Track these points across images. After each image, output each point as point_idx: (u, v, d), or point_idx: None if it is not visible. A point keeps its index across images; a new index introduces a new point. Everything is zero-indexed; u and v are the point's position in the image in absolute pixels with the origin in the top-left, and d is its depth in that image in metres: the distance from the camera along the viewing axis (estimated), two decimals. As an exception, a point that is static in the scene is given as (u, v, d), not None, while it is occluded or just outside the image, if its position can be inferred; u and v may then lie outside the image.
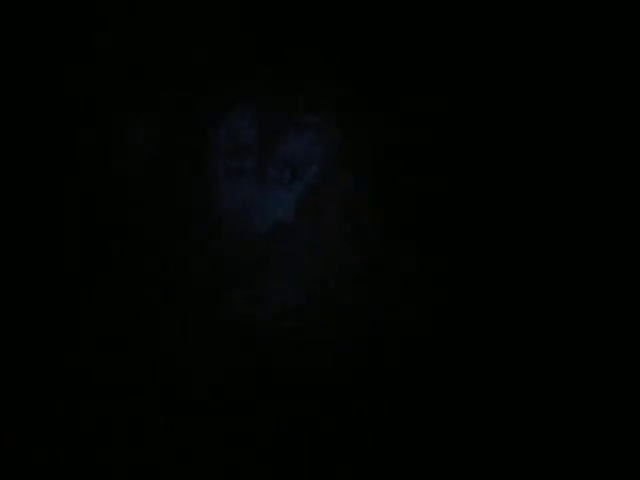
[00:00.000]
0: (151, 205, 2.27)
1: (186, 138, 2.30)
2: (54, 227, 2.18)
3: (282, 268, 2.35)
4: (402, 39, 2.32)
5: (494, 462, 2.04)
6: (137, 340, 2.16)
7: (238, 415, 2.12)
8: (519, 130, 2.31)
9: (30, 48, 2.11)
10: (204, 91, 2.31)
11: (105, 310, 2.17)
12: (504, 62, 2.29)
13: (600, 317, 2.13)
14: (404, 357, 2.24)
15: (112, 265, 2.20)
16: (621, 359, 2.10)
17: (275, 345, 2.27)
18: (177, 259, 2.27)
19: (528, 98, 2.30)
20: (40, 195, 2.14)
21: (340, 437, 2.10)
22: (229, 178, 2.36)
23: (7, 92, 2.09)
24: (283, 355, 2.26)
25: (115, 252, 2.20)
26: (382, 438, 2.10)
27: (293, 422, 2.13)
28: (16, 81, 2.07)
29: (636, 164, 2.20)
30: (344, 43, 2.31)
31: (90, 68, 2.17)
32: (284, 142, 2.38)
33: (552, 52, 2.28)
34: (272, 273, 2.35)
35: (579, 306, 2.15)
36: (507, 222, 2.29)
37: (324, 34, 2.32)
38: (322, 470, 2.05)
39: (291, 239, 2.38)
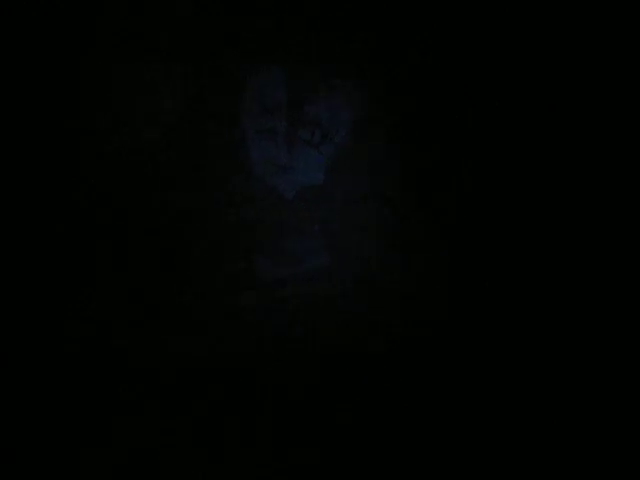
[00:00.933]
0: (181, 168, 2.25)
1: (216, 99, 2.28)
2: (86, 186, 2.18)
3: (311, 231, 2.33)
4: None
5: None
6: (168, 305, 2.14)
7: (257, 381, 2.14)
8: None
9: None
10: (235, 54, 2.28)
11: (136, 271, 2.17)
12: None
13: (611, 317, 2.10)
14: (436, 328, 2.22)
15: (137, 229, 2.17)
16: (625, 357, 2.07)
17: (304, 309, 2.25)
18: (205, 222, 2.25)
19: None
20: (66, 161, 2.13)
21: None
22: (259, 139, 2.33)
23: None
24: (311, 319, 2.23)
25: (143, 216, 2.18)
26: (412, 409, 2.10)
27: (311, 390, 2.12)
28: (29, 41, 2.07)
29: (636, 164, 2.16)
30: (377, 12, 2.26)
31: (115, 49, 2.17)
32: (315, 104, 2.35)
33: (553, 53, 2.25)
34: (301, 236, 2.33)
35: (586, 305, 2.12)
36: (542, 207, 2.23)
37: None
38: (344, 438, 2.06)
39: (320, 202, 2.35)
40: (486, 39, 2.26)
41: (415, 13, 2.29)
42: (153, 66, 2.19)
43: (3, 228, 2.09)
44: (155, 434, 2.02)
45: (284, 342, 2.22)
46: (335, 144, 2.37)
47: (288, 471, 1.99)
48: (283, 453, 2.01)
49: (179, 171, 2.24)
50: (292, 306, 2.26)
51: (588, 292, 2.14)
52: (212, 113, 2.29)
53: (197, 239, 2.25)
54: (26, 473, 1.95)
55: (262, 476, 1.99)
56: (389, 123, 2.34)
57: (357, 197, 2.35)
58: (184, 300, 2.18)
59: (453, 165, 2.31)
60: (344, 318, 2.27)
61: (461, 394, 2.12)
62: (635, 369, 2.07)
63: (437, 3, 2.27)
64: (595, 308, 2.13)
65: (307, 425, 2.06)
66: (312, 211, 2.35)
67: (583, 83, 2.21)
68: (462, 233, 2.27)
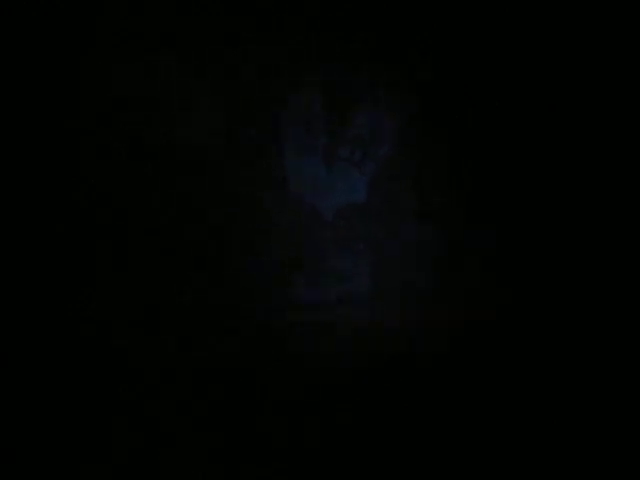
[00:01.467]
0: (218, 187, 2.21)
1: (254, 116, 2.24)
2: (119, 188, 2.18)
3: (352, 252, 2.26)
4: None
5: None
6: (194, 319, 2.14)
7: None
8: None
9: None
10: (274, 69, 2.24)
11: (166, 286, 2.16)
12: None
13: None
14: (482, 353, 2.17)
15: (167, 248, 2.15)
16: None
17: (337, 333, 2.18)
18: (242, 240, 2.21)
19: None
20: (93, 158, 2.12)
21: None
22: (300, 158, 2.27)
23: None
24: (348, 345, 2.16)
25: (176, 233, 2.16)
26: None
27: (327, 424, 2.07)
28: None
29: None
30: (420, 23, 2.23)
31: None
32: (356, 122, 2.29)
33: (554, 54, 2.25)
34: (342, 257, 2.26)
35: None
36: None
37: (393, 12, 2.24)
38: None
39: (363, 221, 2.30)
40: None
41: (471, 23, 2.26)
42: (153, 66, 2.19)
43: (3, 228, 2.09)
44: (155, 434, 2.02)
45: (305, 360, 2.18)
46: (377, 161, 2.31)
47: (288, 471, 1.99)
48: (283, 453, 2.01)
49: (215, 191, 2.23)
50: (326, 331, 2.20)
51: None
52: (250, 133, 2.26)
53: (230, 254, 2.22)
54: (25, 473, 1.95)
55: (262, 476, 1.99)
56: (435, 137, 2.29)
57: (402, 216, 2.29)
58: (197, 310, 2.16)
59: (503, 180, 2.28)
60: (384, 346, 2.19)
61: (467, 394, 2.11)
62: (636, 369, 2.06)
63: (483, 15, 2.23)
64: (606, 311, 2.11)
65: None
66: (353, 231, 2.29)
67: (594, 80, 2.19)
68: (513, 252, 2.26)
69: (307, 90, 2.29)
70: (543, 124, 2.27)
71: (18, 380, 2.04)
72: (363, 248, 2.29)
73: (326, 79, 2.27)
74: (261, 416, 2.06)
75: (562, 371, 2.13)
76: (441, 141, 2.29)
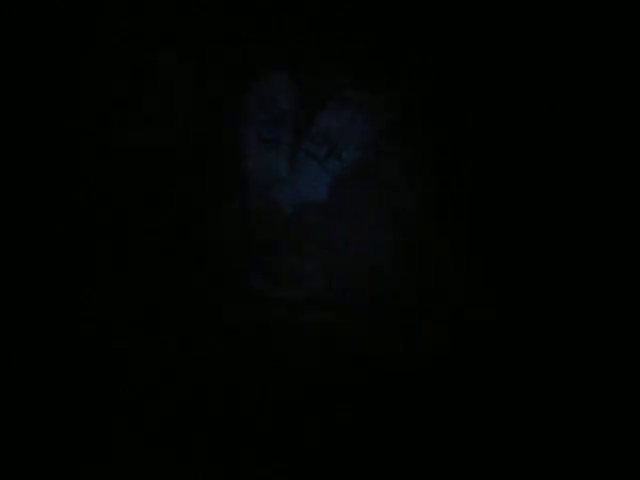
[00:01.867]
0: (179, 175, 2.16)
1: (219, 104, 2.18)
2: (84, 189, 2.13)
3: (308, 251, 2.17)
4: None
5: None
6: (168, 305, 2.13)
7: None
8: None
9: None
10: (238, 54, 2.17)
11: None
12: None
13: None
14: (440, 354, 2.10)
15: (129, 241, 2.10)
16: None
17: (289, 339, 2.12)
18: (198, 232, 2.16)
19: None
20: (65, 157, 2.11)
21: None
22: (262, 150, 2.17)
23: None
24: (297, 349, 2.11)
25: (142, 216, 2.11)
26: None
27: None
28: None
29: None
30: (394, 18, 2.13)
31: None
32: (324, 117, 2.18)
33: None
34: (297, 255, 2.18)
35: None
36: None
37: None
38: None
39: (322, 220, 2.20)
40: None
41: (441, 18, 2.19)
42: (153, 66, 2.19)
43: (3, 228, 2.09)
44: (155, 435, 2.02)
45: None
46: (342, 160, 2.21)
47: (288, 471, 1.99)
48: (283, 453, 2.01)
49: (177, 174, 2.20)
50: (278, 332, 2.14)
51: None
52: (214, 117, 2.21)
53: (183, 251, 2.18)
54: (24, 473, 1.95)
55: (262, 476, 1.99)
56: (405, 138, 2.19)
57: (363, 216, 2.19)
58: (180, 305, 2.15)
59: (473, 181, 2.19)
60: (332, 349, 2.12)
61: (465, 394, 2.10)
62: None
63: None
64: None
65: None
66: (311, 229, 2.20)
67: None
68: (483, 253, 2.18)
69: (276, 80, 2.21)
70: (522, 124, 2.22)
71: (18, 380, 2.04)
72: (320, 248, 2.19)
73: (295, 71, 2.19)
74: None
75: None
76: (417, 147, 2.19)
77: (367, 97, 2.20)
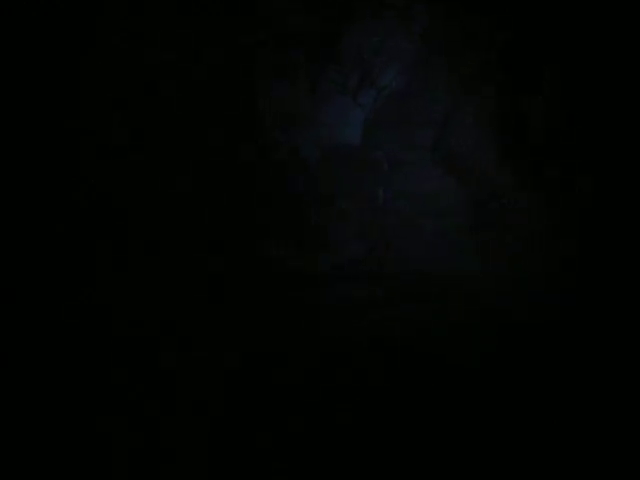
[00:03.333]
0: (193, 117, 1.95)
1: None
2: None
3: (340, 209, 1.70)
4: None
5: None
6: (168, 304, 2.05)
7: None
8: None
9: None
10: None
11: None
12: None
13: None
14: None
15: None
16: None
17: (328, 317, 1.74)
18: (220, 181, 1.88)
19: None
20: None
21: None
22: (276, 81, 1.70)
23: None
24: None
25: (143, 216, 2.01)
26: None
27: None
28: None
29: None
30: None
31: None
32: (352, 32, 1.65)
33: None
34: (330, 218, 1.71)
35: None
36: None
37: None
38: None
39: (357, 169, 1.71)
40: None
41: None
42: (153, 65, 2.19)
43: (4, 228, 2.09)
44: (155, 433, 2.02)
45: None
46: (378, 89, 1.70)
47: (288, 471, 1.99)
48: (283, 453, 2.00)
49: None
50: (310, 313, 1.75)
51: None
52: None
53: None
54: (24, 468, 1.95)
55: (262, 476, 1.98)
56: (460, 61, 1.70)
57: (412, 162, 1.69)
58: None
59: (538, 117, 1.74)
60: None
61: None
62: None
63: None
64: None
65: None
66: (343, 182, 1.71)
67: None
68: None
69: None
70: None
71: (18, 380, 2.04)
72: (353, 208, 1.72)
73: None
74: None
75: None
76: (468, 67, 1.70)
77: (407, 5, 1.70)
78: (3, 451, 1.93)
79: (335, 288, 1.74)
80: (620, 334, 1.95)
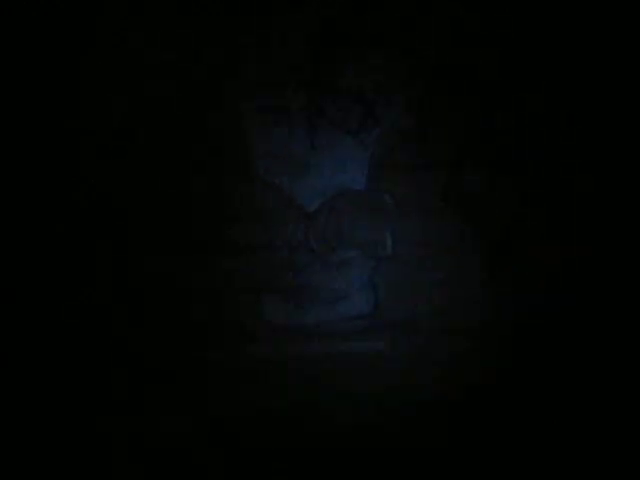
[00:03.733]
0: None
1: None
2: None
3: (341, 260, 1.63)
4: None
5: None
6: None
7: None
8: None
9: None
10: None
11: None
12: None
13: None
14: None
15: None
16: None
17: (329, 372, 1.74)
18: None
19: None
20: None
21: None
22: (267, 123, 1.59)
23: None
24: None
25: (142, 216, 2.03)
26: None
27: None
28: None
29: None
30: None
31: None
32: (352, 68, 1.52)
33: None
34: (329, 270, 1.66)
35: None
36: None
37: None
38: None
39: (361, 217, 1.64)
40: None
41: None
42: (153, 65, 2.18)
43: (3, 228, 2.09)
44: (155, 433, 2.01)
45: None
46: (384, 130, 1.60)
47: (288, 471, 1.98)
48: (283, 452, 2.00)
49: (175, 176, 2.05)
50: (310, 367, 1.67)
51: None
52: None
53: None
54: (23, 468, 1.94)
55: (262, 475, 1.98)
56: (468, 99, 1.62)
57: (422, 206, 1.61)
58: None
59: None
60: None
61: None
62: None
63: None
64: None
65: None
66: (346, 230, 1.65)
67: None
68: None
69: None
70: None
71: (18, 379, 2.04)
72: (358, 258, 1.65)
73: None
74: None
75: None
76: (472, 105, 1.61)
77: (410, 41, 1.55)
78: (3, 451, 1.93)
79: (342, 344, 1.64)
80: (620, 334, 1.96)
